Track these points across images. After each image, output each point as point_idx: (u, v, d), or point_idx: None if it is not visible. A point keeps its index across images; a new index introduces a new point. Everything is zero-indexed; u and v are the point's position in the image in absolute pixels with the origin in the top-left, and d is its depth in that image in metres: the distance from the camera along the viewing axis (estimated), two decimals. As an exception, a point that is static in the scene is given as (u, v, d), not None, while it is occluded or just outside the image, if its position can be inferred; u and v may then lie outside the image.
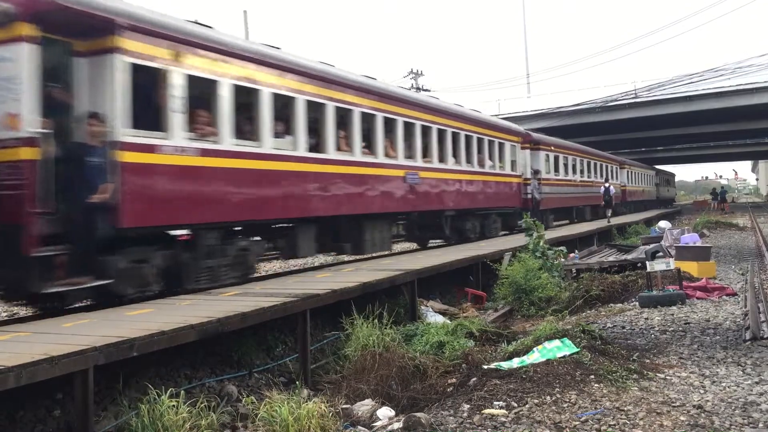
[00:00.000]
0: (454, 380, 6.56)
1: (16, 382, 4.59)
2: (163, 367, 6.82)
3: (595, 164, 33.05)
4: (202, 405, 5.49)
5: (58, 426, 5.64)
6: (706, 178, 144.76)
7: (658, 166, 61.71)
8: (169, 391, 5.40)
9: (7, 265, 6.97)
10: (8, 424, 5.41)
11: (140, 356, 5.69)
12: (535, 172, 23.11)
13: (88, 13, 7.49)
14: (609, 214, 28.16)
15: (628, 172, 41.69)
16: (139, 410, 5.32)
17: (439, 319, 9.96)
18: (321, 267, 13.31)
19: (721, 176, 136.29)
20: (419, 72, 45.80)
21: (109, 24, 7.63)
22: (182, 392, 5.58)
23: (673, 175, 74.61)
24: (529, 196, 22.30)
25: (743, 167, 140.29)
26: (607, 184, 29.05)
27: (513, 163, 21.21)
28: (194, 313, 6.70)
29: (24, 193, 6.90)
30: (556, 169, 26.13)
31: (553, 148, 26.06)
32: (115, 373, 6.02)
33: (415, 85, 44.92)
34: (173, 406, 5.23)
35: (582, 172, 30.00)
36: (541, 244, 13.44)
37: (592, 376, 6.20)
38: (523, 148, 22.82)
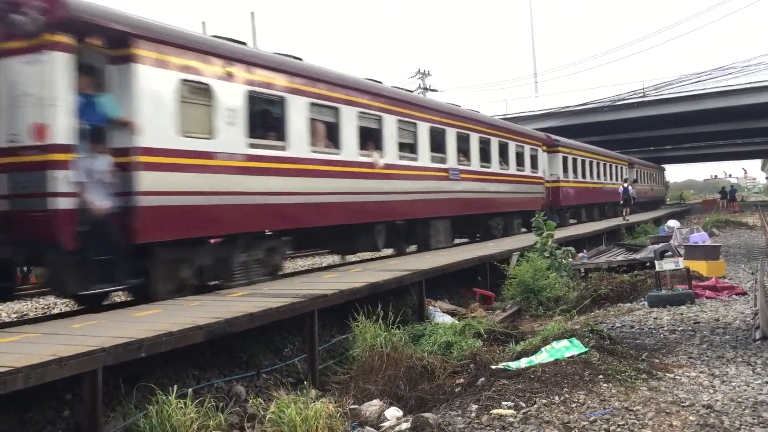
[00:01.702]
0: (462, 380, 6.55)
1: (24, 383, 4.61)
2: (171, 367, 6.83)
3: (466, 137, 16.90)
4: (210, 405, 5.51)
5: (67, 427, 5.65)
6: (716, 176, 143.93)
7: (642, 160, 49.68)
8: (177, 392, 5.41)
9: None
10: (18, 425, 5.43)
11: (148, 357, 5.70)
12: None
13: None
14: (626, 213, 29.24)
15: (565, 159, 26.00)
16: (148, 411, 5.34)
17: (447, 319, 9.94)
18: (328, 267, 13.30)
19: (730, 175, 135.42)
20: (426, 72, 45.86)
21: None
22: (190, 393, 5.60)
23: (662, 170, 61.29)
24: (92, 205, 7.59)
25: (753, 166, 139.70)
26: (625, 185, 30.43)
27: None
28: (202, 314, 6.71)
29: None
30: (276, 132, 10.38)
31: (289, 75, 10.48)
32: (123, 373, 6.03)
33: (422, 86, 44.96)
34: (181, 406, 5.25)
35: (442, 149, 15.65)
36: (550, 243, 13.45)
37: (601, 376, 6.18)
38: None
